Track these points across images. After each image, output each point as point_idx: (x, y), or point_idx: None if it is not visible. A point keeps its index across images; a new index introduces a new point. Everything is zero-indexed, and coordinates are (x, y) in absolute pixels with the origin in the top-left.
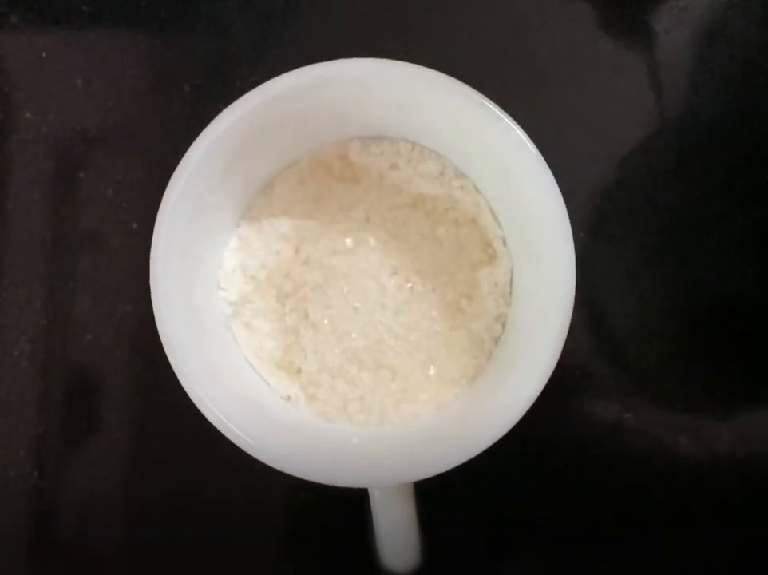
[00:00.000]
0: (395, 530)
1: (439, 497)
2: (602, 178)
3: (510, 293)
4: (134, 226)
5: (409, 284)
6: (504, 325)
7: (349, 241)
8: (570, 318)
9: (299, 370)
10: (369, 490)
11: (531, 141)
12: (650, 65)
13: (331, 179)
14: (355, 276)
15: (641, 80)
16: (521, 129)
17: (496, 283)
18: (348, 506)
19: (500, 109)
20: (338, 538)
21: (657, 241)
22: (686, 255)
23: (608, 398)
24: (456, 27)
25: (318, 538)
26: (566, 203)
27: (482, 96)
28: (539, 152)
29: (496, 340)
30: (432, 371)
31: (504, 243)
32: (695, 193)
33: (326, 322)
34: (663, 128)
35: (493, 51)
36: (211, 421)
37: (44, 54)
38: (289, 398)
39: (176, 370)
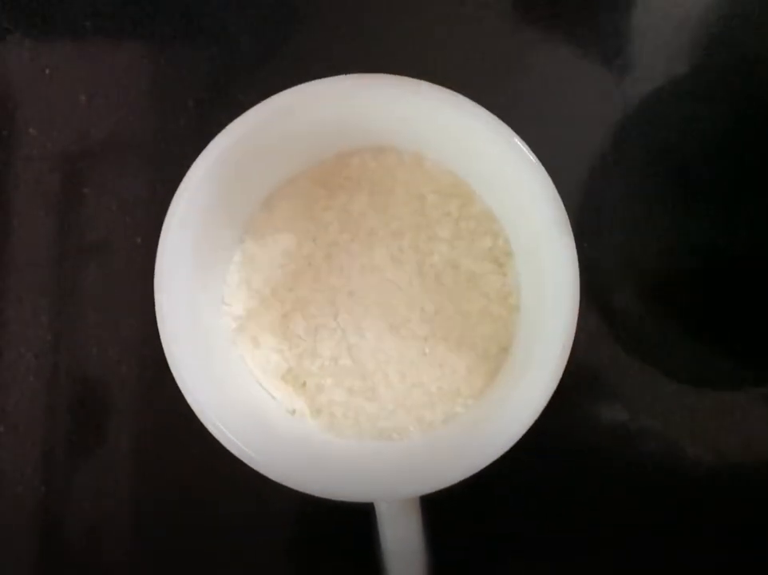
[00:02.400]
0: (402, 544)
1: (445, 509)
2: (598, 179)
3: (518, 304)
4: (138, 240)
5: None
6: (511, 336)
7: (354, 254)
8: (574, 329)
9: (305, 384)
10: (375, 504)
11: (529, 149)
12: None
13: (334, 192)
14: (360, 289)
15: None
16: (520, 139)
17: (502, 294)
18: (354, 519)
19: (498, 119)
20: (344, 552)
21: (655, 242)
22: (689, 256)
23: (614, 404)
24: (455, 40)
25: (323, 552)
26: (567, 208)
27: (480, 107)
28: (538, 161)
29: (504, 352)
30: (439, 384)
31: (510, 253)
32: (695, 205)
33: (331, 336)
34: (661, 129)
35: (491, 63)
36: (214, 435)
37: (47, 71)
38: (294, 411)
39: (179, 384)
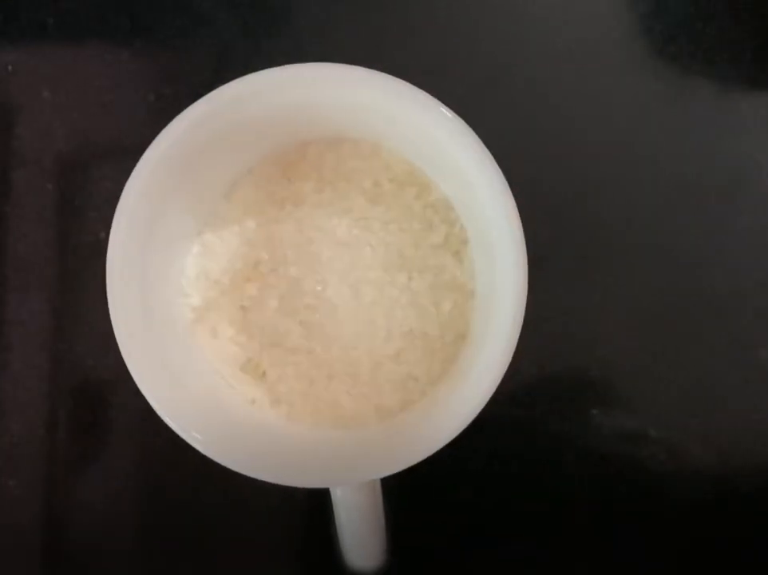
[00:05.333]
0: (358, 529)
1: (409, 495)
2: (559, 178)
3: (474, 290)
4: (102, 235)
5: (374, 289)
6: (468, 323)
7: (313, 244)
8: (522, 316)
9: (264, 374)
10: (330, 490)
11: (480, 142)
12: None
13: (293, 182)
14: (319, 278)
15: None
16: (469, 128)
17: (459, 281)
18: (318, 506)
19: (449, 110)
20: (307, 538)
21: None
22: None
23: (578, 396)
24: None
25: (289, 538)
26: (526, 203)
27: (432, 98)
28: (489, 154)
29: (462, 338)
30: (397, 372)
31: (466, 240)
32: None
33: (290, 326)
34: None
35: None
36: (170, 426)
37: (10, 68)
38: (253, 401)
39: (134, 377)
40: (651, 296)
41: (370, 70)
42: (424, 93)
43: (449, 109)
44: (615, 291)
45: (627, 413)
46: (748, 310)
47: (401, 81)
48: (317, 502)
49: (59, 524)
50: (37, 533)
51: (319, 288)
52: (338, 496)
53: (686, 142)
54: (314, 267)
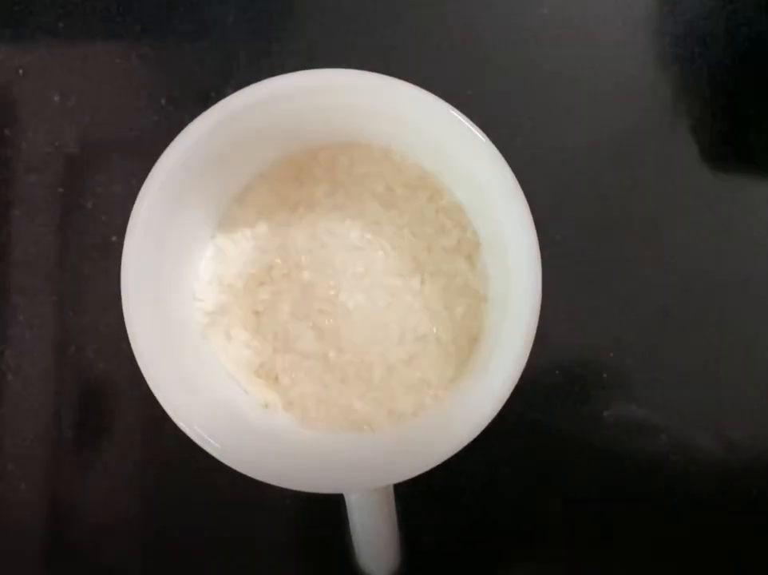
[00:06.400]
0: (372, 534)
1: (420, 498)
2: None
3: (486, 294)
4: (114, 239)
5: (387, 293)
6: (481, 326)
7: (326, 248)
8: (536, 323)
9: (277, 378)
10: (345, 495)
11: (491, 144)
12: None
13: (305, 186)
14: (332, 282)
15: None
16: (482, 132)
17: (471, 285)
18: (332, 510)
19: (461, 114)
20: (321, 542)
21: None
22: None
23: (590, 397)
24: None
25: (302, 542)
26: (537, 206)
27: (445, 102)
28: (503, 158)
29: (474, 342)
30: (410, 376)
31: (478, 244)
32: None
33: (303, 330)
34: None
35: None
36: (184, 431)
37: (21, 71)
38: (267, 405)
39: (148, 382)
40: (662, 294)
41: (381, 75)
42: (435, 96)
43: (460, 113)
44: (627, 291)
45: (639, 412)
46: (758, 306)
47: (411, 84)
48: (331, 507)
49: (68, 525)
50: (46, 534)
51: (332, 293)
52: (352, 501)
53: (689, 145)
54: (327, 272)
